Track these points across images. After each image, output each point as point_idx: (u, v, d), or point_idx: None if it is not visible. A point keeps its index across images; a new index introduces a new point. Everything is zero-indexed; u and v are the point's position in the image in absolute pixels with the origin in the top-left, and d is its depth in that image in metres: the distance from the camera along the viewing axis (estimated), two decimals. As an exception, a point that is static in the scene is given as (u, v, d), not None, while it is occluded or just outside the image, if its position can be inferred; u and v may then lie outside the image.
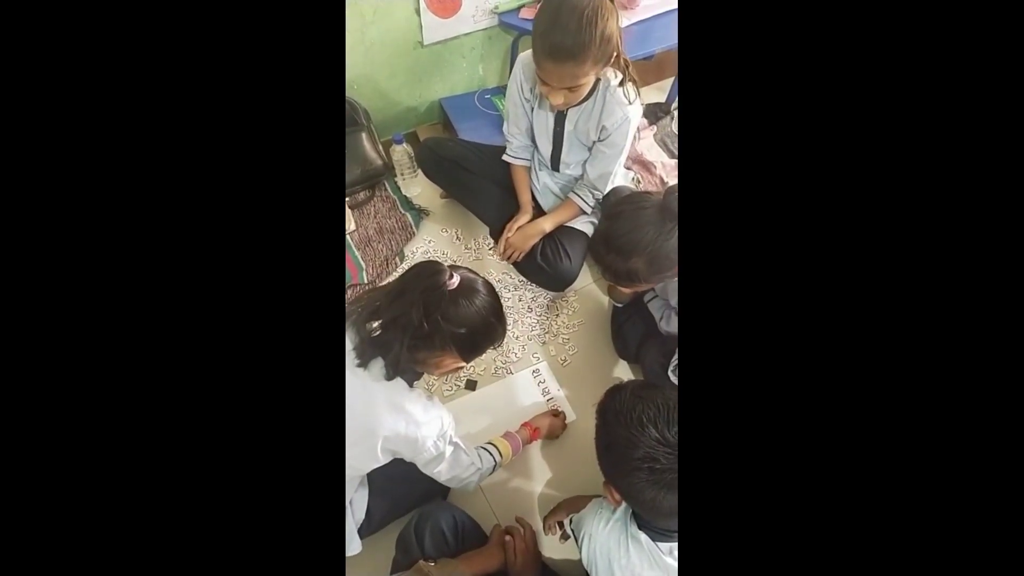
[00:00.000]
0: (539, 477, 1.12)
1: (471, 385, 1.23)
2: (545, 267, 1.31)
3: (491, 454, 0.97)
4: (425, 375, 1.19)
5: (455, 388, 1.22)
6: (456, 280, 0.73)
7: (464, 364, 0.79)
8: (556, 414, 1.16)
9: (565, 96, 1.05)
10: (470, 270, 0.79)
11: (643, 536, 0.71)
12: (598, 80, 1.10)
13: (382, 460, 0.78)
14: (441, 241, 1.47)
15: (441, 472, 0.86)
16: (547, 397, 1.22)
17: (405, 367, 0.75)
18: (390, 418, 0.74)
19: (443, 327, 0.71)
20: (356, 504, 0.91)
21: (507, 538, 0.92)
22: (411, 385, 0.79)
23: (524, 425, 1.09)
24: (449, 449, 0.84)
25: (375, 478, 0.93)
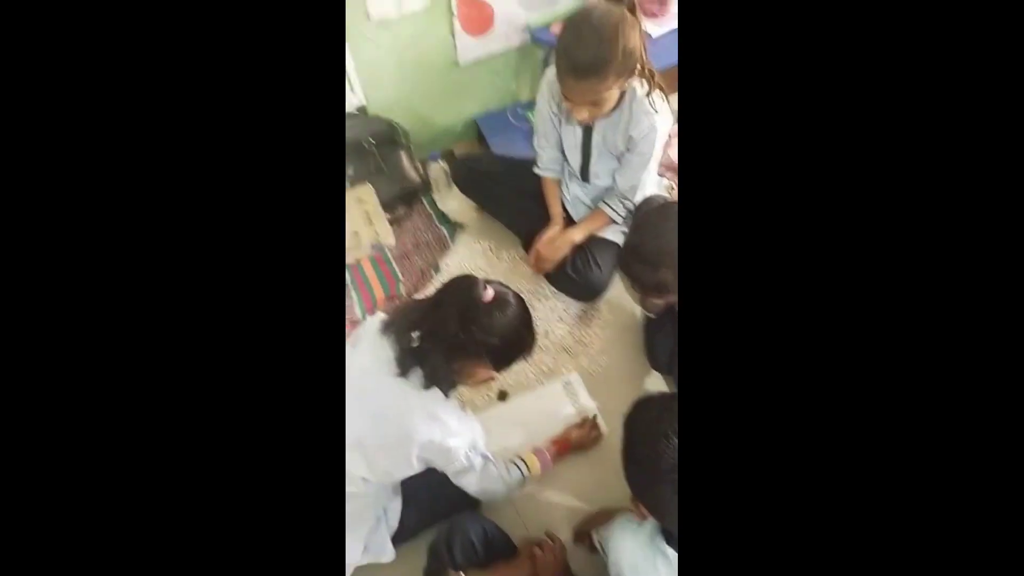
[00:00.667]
0: (570, 489, 1.12)
1: (502, 396, 1.24)
2: (575, 277, 1.32)
3: (520, 469, 0.98)
4: (460, 388, 1.24)
5: (487, 399, 1.24)
6: (490, 293, 0.76)
7: (496, 374, 0.82)
8: (589, 425, 1.16)
9: (589, 111, 1.06)
10: (503, 283, 0.82)
11: (671, 551, 0.69)
12: (624, 91, 1.11)
13: (416, 468, 0.81)
14: (475, 253, 1.51)
15: (471, 484, 0.88)
16: (578, 407, 1.22)
17: (442, 377, 0.78)
18: (425, 426, 0.77)
19: (478, 337, 0.75)
20: (390, 512, 0.94)
21: (536, 550, 0.93)
22: (447, 395, 0.82)
23: (552, 443, 1.09)
24: (479, 461, 0.86)
25: (408, 488, 0.96)
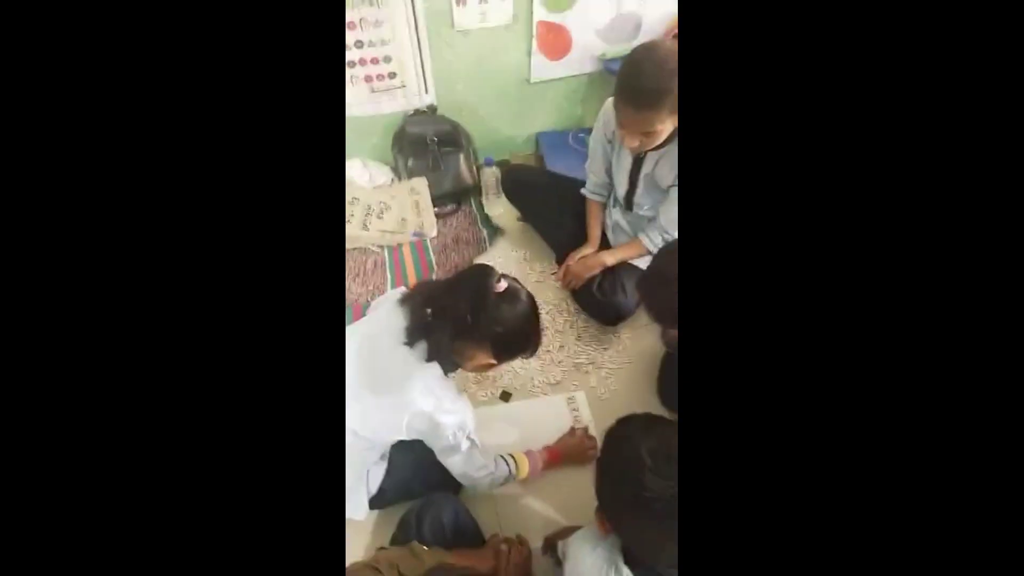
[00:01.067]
0: (553, 500, 1.12)
1: (505, 396, 1.27)
2: (600, 298, 1.33)
3: (508, 464, 0.99)
4: (462, 377, 1.28)
5: (490, 396, 1.27)
6: (503, 285, 0.81)
7: (495, 363, 0.86)
8: (583, 436, 1.15)
9: (641, 140, 1.09)
10: (517, 281, 0.86)
11: (626, 572, 0.69)
12: (677, 127, 1.13)
13: (405, 435, 0.86)
14: (509, 259, 1.56)
15: (455, 464, 0.91)
16: (577, 425, 1.22)
17: (445, 354, 0.83)
18: (420, 397, 0.82)
19: (484, 323, 0.79)
20: (372, 475, 0.98)
21: (503, 547, 0.93)
22: (446, 374, 0.86)
23: (545, 449, 1.10)
24: (466, 444, 0.89)
25: (395, 458, 1.00)
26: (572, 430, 1.18)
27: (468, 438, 0.90)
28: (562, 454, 1.11)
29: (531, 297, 0.86)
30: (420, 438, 0.88)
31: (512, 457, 1.02)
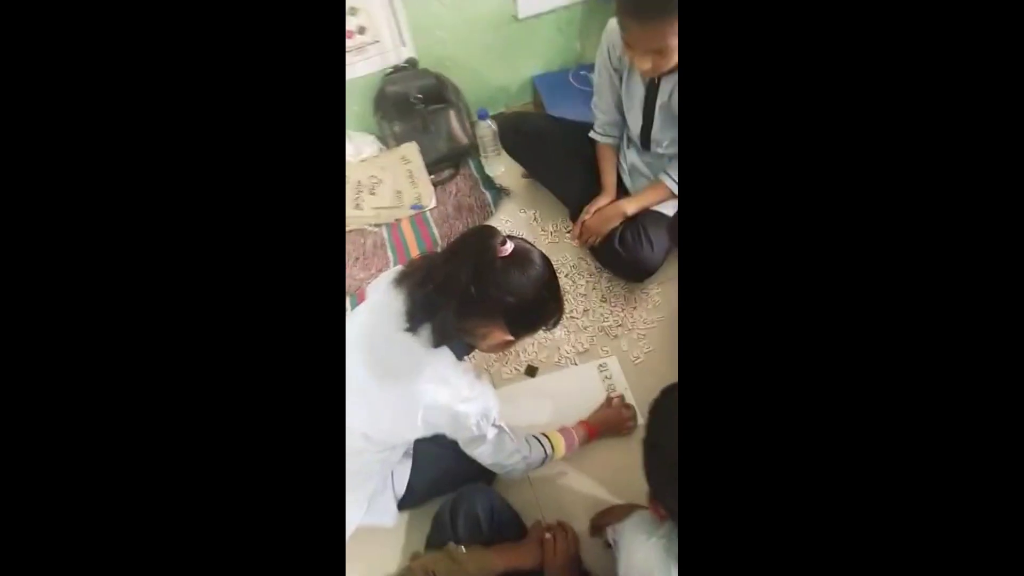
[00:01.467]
0: (595, 477, 1.03)
1: (531, 371, 1.17)
2: (623, 253, 1.20)
3: (542, 445, 0.91)
4: (482, 356, 1.18)
5: (515, 372, 1.17)
6: (509, 247, 0.68)
7: (513, 339, 0.74)
8: (620, 405, 1.07)
9: (653, 60, 0.93)
10: (526, 241, 0.74)
11: (690, 566, 0.60)
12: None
13: (423, 431, 0.76)
14: (519, 222, 1.43)
15: (483, 454, 0.82)
16: (612, 395, 1.12)
17: (453, 336, 0.72)
18: (432, 388, 0.72)
19: (492, 294, 0.67)
20: (397, 476, 0.91)
21: (546, 536, 0.86)
22: (460, 358, 0.75)
23: (581, 423, 1.02)
24: (492, 432, 0.80)
25: (421, 453, 0.92)
26: (608, 400, 1.09)
27: (494, 425, 0.80)
28: (599, 427, 1.02)
29: (545, 258, 0.73)
30: (441, 432, 0.79)
31: (546, 436, 0.93)
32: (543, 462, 0.91)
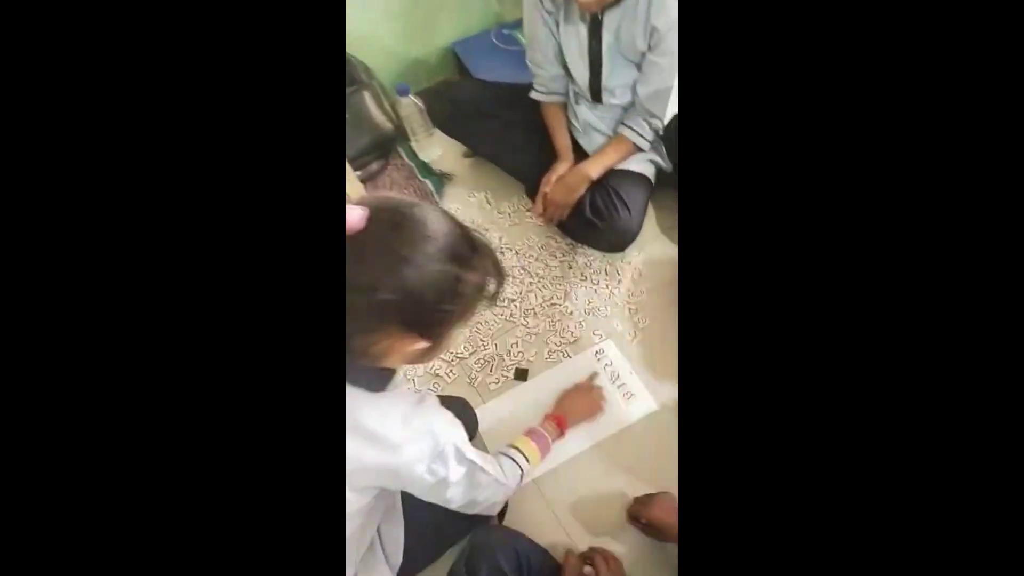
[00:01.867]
0: (614, 472, 0.90)
1: (521, 375, 1.01)
2: (597, 223, 1.07)
3: (515, 461, 0.75)
4: (451, 359, 1.01)
5: (502, 380, 1.01)
6: (359, 214, 0.44)
7: (429, 344, 0.51)
8: (589, 387, 0.96)
9: None
10: (394, 196, 0.50)
11: None
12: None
13: (365, 498, 0.57)
14: (470, 208, 1.25)
15: (454, 499, 0.62)
16: (617, 383, 0.99)
17: (348, 367, 0.49)
18: (350, 445, 0.50)
19: (357, 294, 0.44)
20: (388, 544, 0.72)
21: (587, 570, 0.73)
22: (377, 390, 0.52)
23: (548, 418, 0.88)
24: (459, 470, 0.59)
25: (409, 507, 0.74)
26: (575, 386, 0.97)
27: (459, 461, 0.59)
28: (567, 416, 0.89)
29: (441, 213, 0.50)
30: (389, 489, 0.61)
31: (514, 448, 0.78)
32: (520, 481, 0.75)
